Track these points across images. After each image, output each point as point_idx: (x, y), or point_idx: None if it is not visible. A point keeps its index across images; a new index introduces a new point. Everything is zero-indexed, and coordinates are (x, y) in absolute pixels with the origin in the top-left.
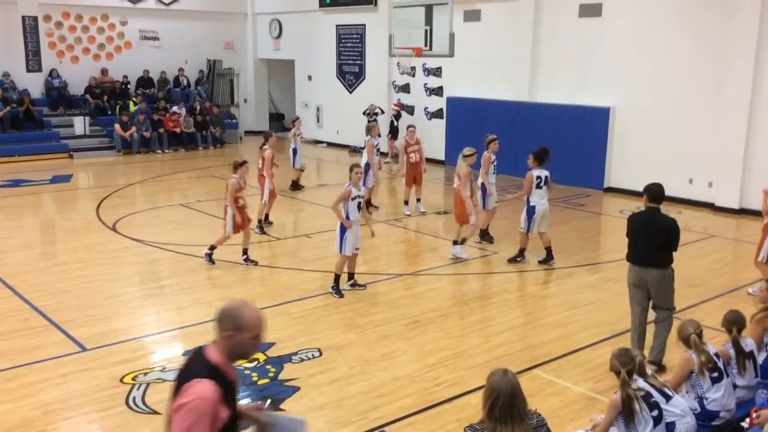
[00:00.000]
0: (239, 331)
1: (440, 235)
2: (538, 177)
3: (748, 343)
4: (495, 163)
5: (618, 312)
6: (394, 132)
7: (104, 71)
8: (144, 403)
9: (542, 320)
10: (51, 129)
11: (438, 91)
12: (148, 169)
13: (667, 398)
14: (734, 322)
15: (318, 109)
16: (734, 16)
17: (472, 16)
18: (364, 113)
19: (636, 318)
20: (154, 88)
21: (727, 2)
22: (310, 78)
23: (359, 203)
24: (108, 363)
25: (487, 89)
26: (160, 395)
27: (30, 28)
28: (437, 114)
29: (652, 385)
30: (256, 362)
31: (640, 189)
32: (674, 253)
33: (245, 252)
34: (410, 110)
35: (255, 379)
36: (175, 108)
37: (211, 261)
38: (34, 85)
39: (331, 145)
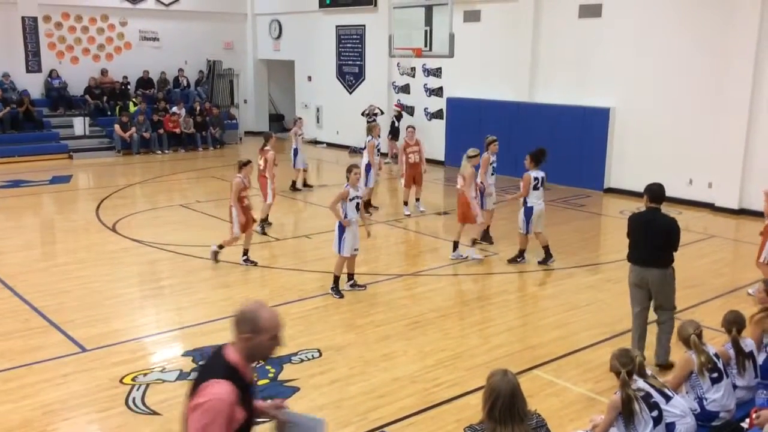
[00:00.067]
0: (257, 333)
1: (440, 235)
2: (536, 178)
3: (748, 343)
4: (494, 164)
5: (618, 312)
6: (395, 133)
7: (104, 72)
8: (144, 403)
9: (542, 321)
10: (51, 129)
11: (438, 92)
12: (148, 170)
13: (667, 399)
14: (734, 323)
15: (318, 110)
16: (734, 16)
17: (472, 16)
18: (363, 114)
19: (636, 318)
20: (154, 89)
21: (727, 2)
22: (309, 79)
23: (357, 204)
24: (108, 363)
25: (487, 90)
26: (160, 396)
27: (30, 28)
28: (437, 114)
29: (652, 386)
30: (255, 362)
31: (640, 189)
32: (674, 253)
33: (245, 253)
34: (410, 111)
35: (255, 379)
36: (174, 108)
37: (216, 259)
38: (33, 85)
39: (330, 145)
